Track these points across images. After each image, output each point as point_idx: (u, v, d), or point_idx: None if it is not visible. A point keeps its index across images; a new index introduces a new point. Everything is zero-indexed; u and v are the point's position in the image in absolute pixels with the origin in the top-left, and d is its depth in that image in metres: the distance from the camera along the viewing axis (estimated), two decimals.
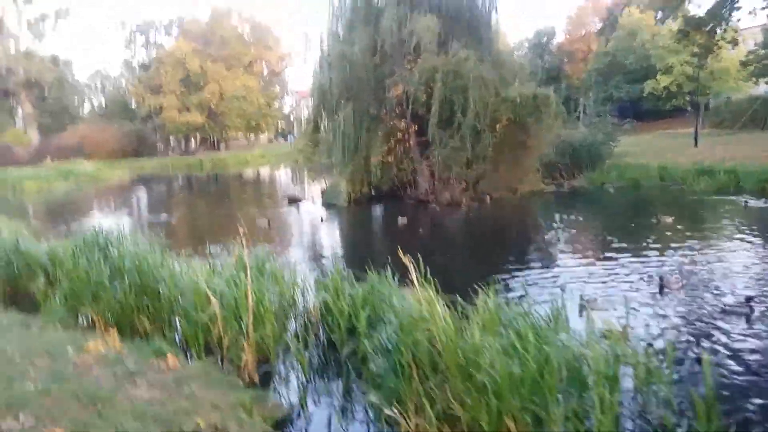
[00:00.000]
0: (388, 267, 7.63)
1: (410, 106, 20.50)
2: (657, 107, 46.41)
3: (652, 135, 39.86)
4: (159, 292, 7.69)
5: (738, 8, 21.95)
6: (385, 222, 18.85)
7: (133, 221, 20.70)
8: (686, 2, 24.51)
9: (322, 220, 18.79)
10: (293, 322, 7.67)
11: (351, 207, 21.00)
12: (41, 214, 23.42)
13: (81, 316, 8.27)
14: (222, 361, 6.60)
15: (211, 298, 6.59)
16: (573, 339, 5.21)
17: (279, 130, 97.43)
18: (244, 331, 6.49)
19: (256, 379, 6.34)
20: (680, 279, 8.99)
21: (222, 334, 6.59)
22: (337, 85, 21.57)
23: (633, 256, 11.29)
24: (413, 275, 5.56)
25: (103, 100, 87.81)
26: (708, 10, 21.43)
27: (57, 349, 5.93)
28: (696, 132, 30.28)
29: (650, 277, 9.60)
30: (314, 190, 25.83)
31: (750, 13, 21.47)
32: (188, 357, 6.83)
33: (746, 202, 16.71)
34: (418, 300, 5.42)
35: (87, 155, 52.22)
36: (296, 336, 7.14)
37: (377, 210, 20.38)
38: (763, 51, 34.41)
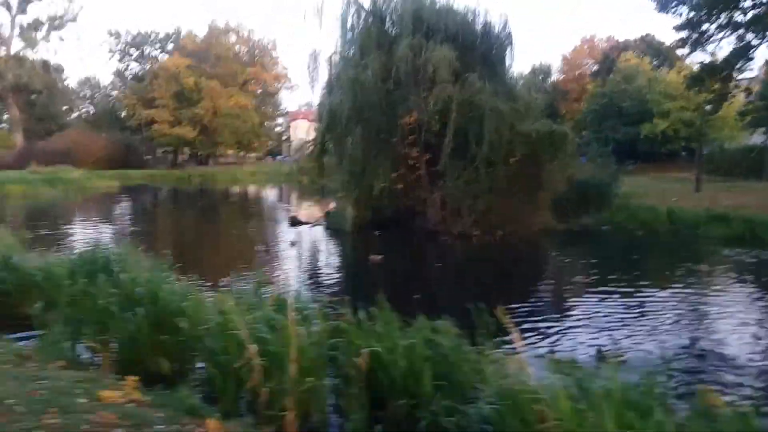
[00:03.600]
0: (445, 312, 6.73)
1: (423, 135, 19.76)
2: (652, 150, 46.48)
3: (648, 177, 39.70)
4: (179, 328, 6.61)
5: (752, 58, 21.74)
6: (403, 253, 17.90)
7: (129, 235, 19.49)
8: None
9: (292, 245, 17.85)
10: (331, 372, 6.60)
11: (357, 234, 20.04)
12: (28, 222, 22.05)
13: (84, 350, 7.15)
14: (257, 418, 5.53)
15: (249, 344, 5.55)
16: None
17: (269, 149, 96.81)
18: (286, 383, 5.46)
19: None
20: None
21: (260, 387, 5.53)
22: (348, 108, 20.82)
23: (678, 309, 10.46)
24: (515, 335, 4.58)
25: (91, 108, 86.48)
26: (724, 58, 21.11)
27: (66, 399, 4.83)
28: (698, 177, 29.98)
29: None
30: (315, 212, 24.86)
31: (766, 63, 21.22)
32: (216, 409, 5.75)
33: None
34: (518, 365, 4.45)
35: (74, 162, 50.63)
36: (338, 391, 6.13)
37: (388, 239, 19.42)
38: (761, 102, 34.51)
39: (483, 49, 22.15)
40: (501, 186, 19.15)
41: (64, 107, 79.52)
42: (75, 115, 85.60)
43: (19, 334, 7.87)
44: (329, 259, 17.20)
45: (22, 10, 63.19)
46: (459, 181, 19.02)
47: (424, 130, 19.65)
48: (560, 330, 9.12)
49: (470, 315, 6.57)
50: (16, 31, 63.39)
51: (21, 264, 9.24)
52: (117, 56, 79.64)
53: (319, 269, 14.79)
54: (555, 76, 66.67)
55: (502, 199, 19.49)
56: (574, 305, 10.84)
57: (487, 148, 18.49)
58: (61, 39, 73.58)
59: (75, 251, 10.23)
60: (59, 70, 71.72)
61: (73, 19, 65.82)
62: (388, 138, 21.05)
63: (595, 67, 61.49)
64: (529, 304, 10.90)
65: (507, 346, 6.77)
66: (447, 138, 19.00)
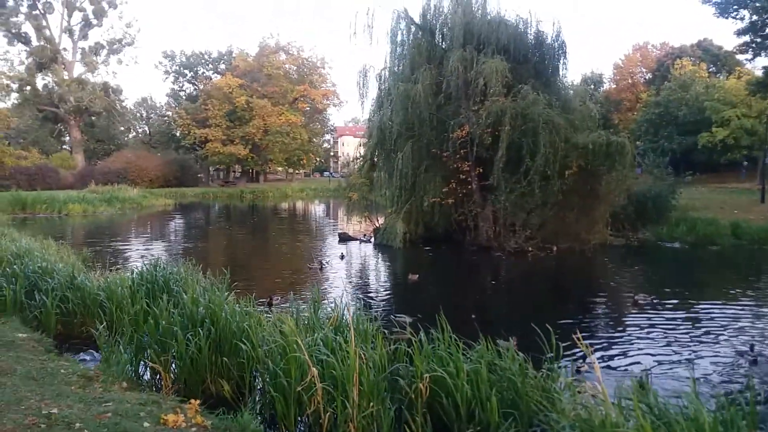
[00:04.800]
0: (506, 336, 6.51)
1: (474, 149, 19.52)
2: (710, 160, 44.79)
3: (708, 189, 38.24)
4: (239, 350, 6.58)
5: None
6: (456, 270, 17.62)
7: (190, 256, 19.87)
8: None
9: (342, 257, 18.26)
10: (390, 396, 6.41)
11: (407, 249, 19.90)
12: (87, 240, 22.77)
13: (144, 369, 7.20)
14: None
15: (311, 366, 5.46)
16: None
17: (317, 165, 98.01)
18: (349, 408, 5.34)
19: None
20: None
21: (322, 411, 5.42)
22: (398, 123, 20.78)
23: None
24: (593, 360, 4.32)
25: (147, 129, 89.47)
26: None
27: (131, 423, 4.83)
28: (763, 188, 28.65)
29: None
30: (364, 228, 24.88)
31: None
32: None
33: None
34: (594, 391, 4.19)
35: (131, 181, 52.38)
36: (400, 417, 5.94)
37: (438, 255, 19.23)
38: None
39: (536, 60, 21.85)
40: (556, 200, 18.73)
41: (122, 128, 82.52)
42: (132, 135, 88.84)
43: (84, 355, 8.03)
44: (379, 276, 17.06)
45: (83, 35, 66.22)
46: (512, 196, 18.66)
47: (475, 144, 19.38)
48: (622, 350, 8.73)
49: (531, 335, 6.35)
50: (78, 55, 66.35)
51: (84, 284, 9.45)
52: (171, 77, 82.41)
53: (370, 287, 14.66)
54: (607, 86, 65.39)
55: (557, 214, 19.12)
56: (635, 324, 10.32)
57: (542, 162, 18.08)
58: (120, 62, 76.63)
59: (135, 270, 10.39)
60: (118, 92, 74.41)
61: (131, 43, 68.53)
62: (439, 153, 20.92)
63: (649, 75, 59.92)
64: (589, 323, 10.54)
65: (568, 367, 6.50)
66: (499, 152, 18.68)
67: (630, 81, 62.24)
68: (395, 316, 9.51)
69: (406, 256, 19.29)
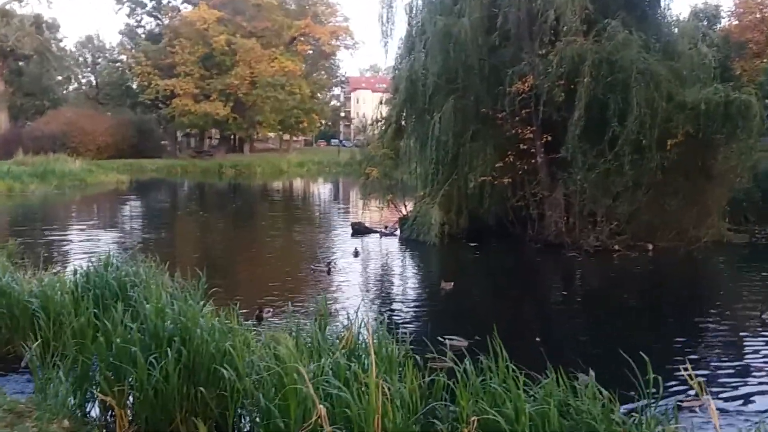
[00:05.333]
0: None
1: (540, 109, 19.48)
2: None
3: None
4: (220, 379, 6.67)
5: None
6: (513, 275, 17.68)
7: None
8: None
9: (357, 255, 18.56)
10: None
11: (445, 246, 19.93)
12: (13, 228, 23.20)
13: (92, 403, 7.33)
14: None
15: (317, 402, 5.53)
16: None
17: (322, 130, 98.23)
18: None
19: None
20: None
21: None
22: (435, 73, 20.79)
23: None
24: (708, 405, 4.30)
25: (93, 79, 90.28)
26: None
27: None
28: None
29: None
30: (387, 217, 24.99)
31: None
32: None
33: None
34: None
35: (71, 150, 52.81)
36: None
37: (488, 254, 19.30)
38: None
39: None
40: (653, 181, 18.78)
41: (60, 77, 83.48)
42: (73, 87, 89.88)
43: (10, 380, 8.20)
44: (407, 281, 17.22)
45: None
46: (592, 174, 18.61)
47: (542, 102, 19.37)
48: (744, 387, 8.65)
49: (618, 365, 6.32)
50: None
51: (11, 287, 9.61)
52: (126, 9, 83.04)
53: (396, 297, 14.81)
54: (725, 22, 64.50)
55: (654, 200, 19.17)
56: (762, 352, 10.25)
57: (635, 127, 18.01)
58: None
59: (79, 270, 10.54)
60: (54, 28, 75.30)
61: None
62: (491, 113, 20.94)
63: None
64: (698, 350, 10.52)
65: (669, 409, 6.48)
66: (576, 113, 18.61)
67: (758, 16, 61.39)
68: (445, 339, 9.52)
69: (443, 255, 19.46)
